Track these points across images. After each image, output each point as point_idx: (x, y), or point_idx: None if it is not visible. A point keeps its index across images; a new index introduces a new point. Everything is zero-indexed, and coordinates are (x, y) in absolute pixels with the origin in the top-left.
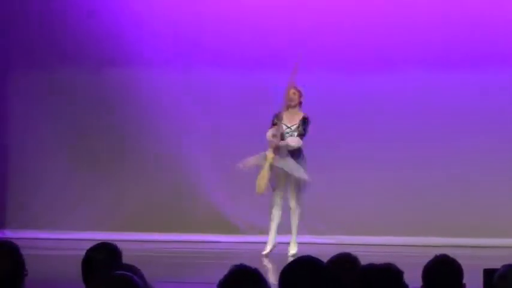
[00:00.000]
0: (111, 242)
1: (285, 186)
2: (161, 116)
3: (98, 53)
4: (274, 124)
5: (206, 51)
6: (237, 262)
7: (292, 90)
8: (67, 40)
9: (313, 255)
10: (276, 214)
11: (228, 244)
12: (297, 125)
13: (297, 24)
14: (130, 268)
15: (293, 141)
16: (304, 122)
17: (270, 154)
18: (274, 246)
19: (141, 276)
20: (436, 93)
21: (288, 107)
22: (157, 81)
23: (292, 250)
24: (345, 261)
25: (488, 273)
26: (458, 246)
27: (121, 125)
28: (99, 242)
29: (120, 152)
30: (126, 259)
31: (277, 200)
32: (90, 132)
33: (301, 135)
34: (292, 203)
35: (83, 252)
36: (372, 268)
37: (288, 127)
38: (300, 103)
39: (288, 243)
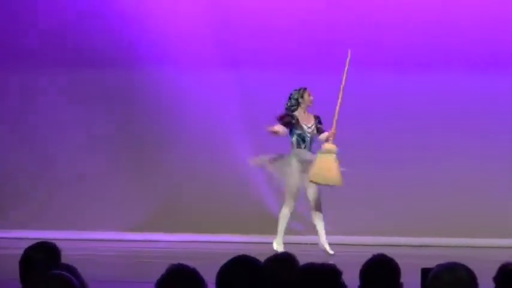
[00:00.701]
0: (51, 241)
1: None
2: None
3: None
4: (286, 122)
5: None
6: None
7: (309, 93)
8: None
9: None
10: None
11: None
12: (314, 125)
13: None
14: (68, 268)
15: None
16: (320, 120)
17: (331, 145)
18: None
19: (78, 276)
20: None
21: (306, 108)
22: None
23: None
24: (283, 260)
25: (425, 273)
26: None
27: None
28: (39, 241)
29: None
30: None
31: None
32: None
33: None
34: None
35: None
36: (310, 267)
37: (308, 127)
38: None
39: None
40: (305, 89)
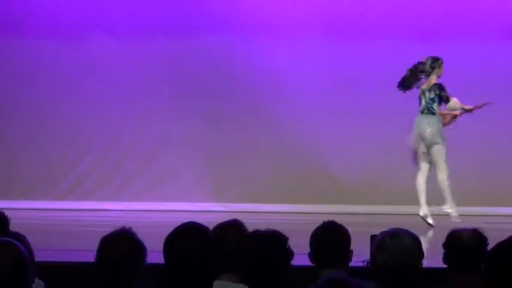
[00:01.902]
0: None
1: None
2: None
3: None
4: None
5: None
6: None
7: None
8: None
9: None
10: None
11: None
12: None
13: None
14: (17, 235)
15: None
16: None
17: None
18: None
19: (27, 244)
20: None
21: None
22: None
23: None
24: (231, 227)
25: (374, 240)
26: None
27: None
28: None
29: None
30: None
31: None
32: None
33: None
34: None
35: None
36: (257, 234)
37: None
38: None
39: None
40: (442, 62)
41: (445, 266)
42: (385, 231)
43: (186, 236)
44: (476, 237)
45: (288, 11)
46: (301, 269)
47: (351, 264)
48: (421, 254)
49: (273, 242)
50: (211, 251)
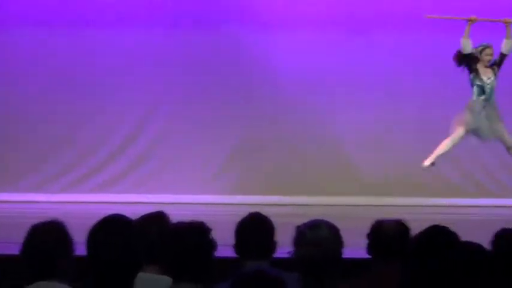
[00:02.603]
0: None
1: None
2: None
3: None
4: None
5: None
6: None
7: (491, 50)
8: None
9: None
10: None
11: None
12: (494, 76)
13: None
14: None
15: None
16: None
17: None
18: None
19: None
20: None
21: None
22: None
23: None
24: (153, 219)
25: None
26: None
27: None
28: None
29: None
30: None
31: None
32: None
33: None
34: None
35: None
36: (179, 226)
37: (488, 78)
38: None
39: None
40: (486, 47)
41: (369, 256)
42: (305, 223)
43: (109, 229)
44: (400, 227)
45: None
46: (226, 260)
47: (277, 255)
48: (340, 244)
49: (195, 233)
50: (134, 244)
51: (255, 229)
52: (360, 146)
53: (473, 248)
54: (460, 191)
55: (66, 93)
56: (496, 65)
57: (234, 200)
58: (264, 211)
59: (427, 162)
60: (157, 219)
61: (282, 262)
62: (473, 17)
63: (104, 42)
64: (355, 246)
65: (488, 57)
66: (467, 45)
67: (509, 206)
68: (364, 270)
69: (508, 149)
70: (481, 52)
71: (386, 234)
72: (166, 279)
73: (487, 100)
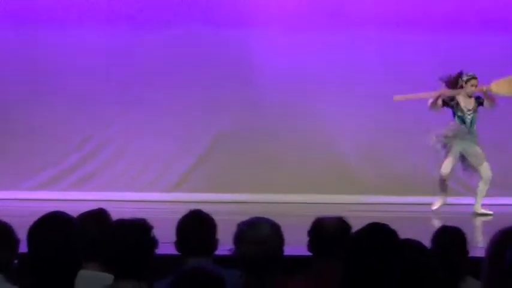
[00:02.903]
0: None
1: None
2: None
3: None
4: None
5: None
6: None
7: (475, 84)
8: None
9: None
10: None
11: None
12: (475, 106)
13: None
14: None
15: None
16: (480, 101)
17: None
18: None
19: None
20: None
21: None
22: None
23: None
24: (94, 216)
25: None
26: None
27: None
28: None
29: None
30: None
31: None
32: None
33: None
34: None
35: None
36: (121, 223)
37: (469, 109)
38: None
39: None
40: (472, 78)
41: (310, 253)
42: (245, 221)
43: (48, 227)
44: (340, 225)
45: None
46: (167, 257)
47: (219, 252)
48: (281, 242)
49: (137, 230)
50: (74, 241)
51: (195, 226)
52: (301, 144)
53: (412, 245)
54: (403, 189)
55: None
56: (479, 101)
57: (177, 197)
58: (206, 209)
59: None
60: (97, 216)
61: (224, 259)
62: (443, 91)
63: (81, 42)
64: (296, 244)
65: (473, 88)
66: (437, 109)
67: (452, 204)
68: (305, 268)
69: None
70: (466, 82)
71: (327, 232)
72: (107, 277)
73: (468, 129)
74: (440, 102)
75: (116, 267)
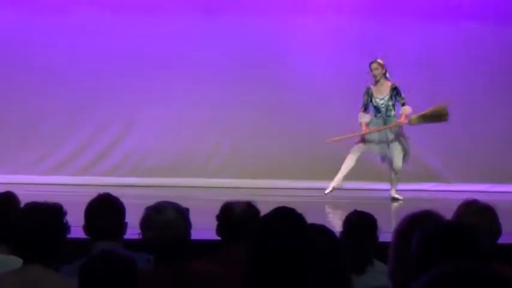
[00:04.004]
0: None
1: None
2: None
3: None
4: (365, 104)
5: None
6: None
7: (374, 65)
8: None
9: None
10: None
11: None
12: (389, 95)
13: None
14: None
15: (408, 109)
16: (397, 90)
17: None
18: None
19: None
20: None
21: (376, 82)
22: None
23: None
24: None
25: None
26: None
27: None
28: None
29: None
30: None
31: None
32: None
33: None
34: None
35: None
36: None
37: (381, 99)
38: (385, 73)
39: None
40: (370, 64)
41: (219, 237)
42: (150, 206)
43: None
44: (249, 209)
45: None
46: (76, 241)
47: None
48: (187, 226)
49: (49, 214)
50: None
51: (104, 210)
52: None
53: (318, 229)
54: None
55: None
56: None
57: (87, 181)
58: (116, 192)
59: (327, 190)
60: (4, 199)
61: (134, 243)
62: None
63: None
64: (206, 228)
65: (374, 73)
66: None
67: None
68: (214, 252)
69: (391, 168)
70: (370, 71)
71: (235, 216)
72: (16, 260)
73: (384, 118)
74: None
75: (25, 250)
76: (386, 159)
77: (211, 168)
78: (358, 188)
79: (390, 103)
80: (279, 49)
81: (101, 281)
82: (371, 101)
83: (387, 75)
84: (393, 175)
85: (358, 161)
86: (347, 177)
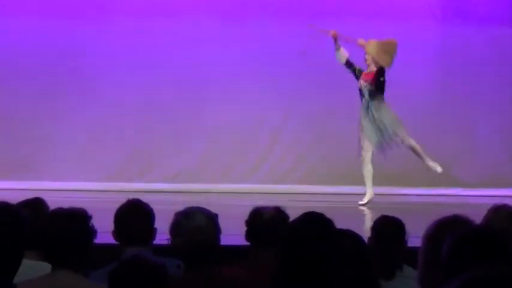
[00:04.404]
0: None
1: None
2: None
3: None
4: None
5: None
6: None
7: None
8: None
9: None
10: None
11: None
12: (371, 79)
13: None
14: None
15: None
16: (380, 71)
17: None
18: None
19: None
20: None
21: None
22: None
23: None
24: (30, 205)
25: None
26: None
27: None
28: None
29: None
30: None
31: None
32: None
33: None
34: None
35: None
36: (58, 212)
37: (365, 81)
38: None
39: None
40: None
41: (248, 243)
42: (180, 212)
43: None
44: (278, 215)
45: None
46: (105, 246)
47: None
48: (217, 231)
49: (74, 219)
50: (20, 231)
51: (133, 215)
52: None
53: (347, 234)
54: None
55: None
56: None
57: (114, 187)
58: (146, 198)
59: (363, 201)
60: (34, 205)
61: (163, 249)
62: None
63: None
64: (235, 233)
65: (365, 56)
66: (339, 58)
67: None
68: (243, 257)
69: (409, 147)
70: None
71: (264, 221)
72: (45, 266)
73: (368, 102)
74: (343, 53)
75: (54, 256)
76: (384, 145)
77: (238, 174)
78: (385, 193)
79: (373, 88)
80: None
81: (131, 287)
82: (358, 79)
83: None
84: (415, 152)
85: (385, 166)
86: (376, 183)
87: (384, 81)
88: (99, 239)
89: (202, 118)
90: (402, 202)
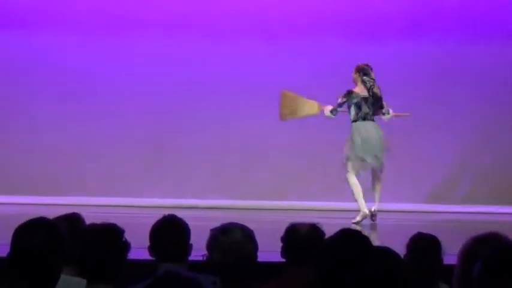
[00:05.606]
0: None
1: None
2: None
3: None
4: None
5: None
6: None
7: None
8: None
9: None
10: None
11: None
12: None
13: None
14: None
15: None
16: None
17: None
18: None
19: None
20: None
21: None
22: None
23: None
24: (67, 220)
25: None
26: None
27: None
28: None
29: None
30: None
31: None
32: None
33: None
34: None
35: None
36: (93, 227)
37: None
38: (356, 79)
39: None
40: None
41: (283, 259)
42: (217, 228)
43: (34, 230)
44: (314, 231)
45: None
46: (140, 262)
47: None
48: (254, 247)
49: (108, 235)
50: (59, 246)
51: (170, 231)
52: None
53: (384, 251)
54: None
55: None
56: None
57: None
58: (180, 214)
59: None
60: (70, 220)
61: (198, 265)
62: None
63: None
64: (271, 250)
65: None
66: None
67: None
68: (279, 274)
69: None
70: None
71: (300, 238)
72: (81, 281)
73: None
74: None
75: (89, 271)
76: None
77: (270, 190)
78: (420, 210)
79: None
80: None
81: None
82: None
83: (363, 79)
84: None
85: (421, 183)
86: (411, 199)
87: (339, 105)
88: (135, 255)
89: (232, 134)
90: (439, 219)
